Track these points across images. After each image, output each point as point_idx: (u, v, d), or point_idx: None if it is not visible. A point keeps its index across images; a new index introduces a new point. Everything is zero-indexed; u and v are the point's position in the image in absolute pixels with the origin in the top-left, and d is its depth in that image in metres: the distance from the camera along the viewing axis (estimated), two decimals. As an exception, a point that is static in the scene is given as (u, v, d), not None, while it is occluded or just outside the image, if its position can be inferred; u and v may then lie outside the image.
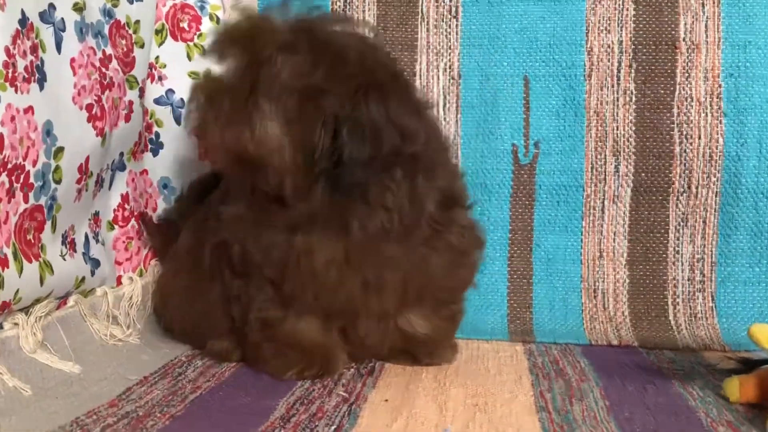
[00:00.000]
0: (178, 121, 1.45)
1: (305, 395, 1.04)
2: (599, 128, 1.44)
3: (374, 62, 1.06)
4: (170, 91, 1.45)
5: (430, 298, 1.16)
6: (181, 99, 1.44)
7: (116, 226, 1.37)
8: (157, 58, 1.44)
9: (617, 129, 1.44)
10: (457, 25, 1.47)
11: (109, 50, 1.26)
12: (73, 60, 1.15)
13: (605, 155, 1.45)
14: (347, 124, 1.00)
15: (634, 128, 1.44)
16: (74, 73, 1.15)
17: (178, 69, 1.45)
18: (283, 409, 0.99)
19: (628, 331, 1.40)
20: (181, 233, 1.29)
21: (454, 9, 1.47)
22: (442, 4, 1.47)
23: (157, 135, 1.46)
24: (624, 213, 1.45)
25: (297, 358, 1.12)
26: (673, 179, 1.43)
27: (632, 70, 1.44)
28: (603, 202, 1.45)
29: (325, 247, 1.06)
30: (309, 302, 1.10)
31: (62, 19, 1.14)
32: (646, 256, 1.44)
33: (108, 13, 1.27)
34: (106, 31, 1.26)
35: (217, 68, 1.09)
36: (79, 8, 1.18)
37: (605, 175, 1.45)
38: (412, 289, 1.11)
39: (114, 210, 1.37)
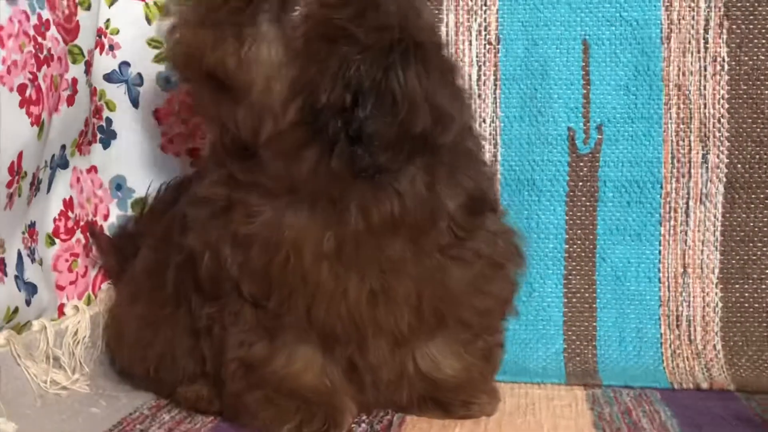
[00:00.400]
0: (135, 103, 1.46)
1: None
2: (681, 106, 1.45)
3: (417, 21, 1.06)
4: (124, 64, 1.46)
5: (454, 324, 1.17)
6: (139, 74, 1.45)
7: (57, 240, 1.38)
8: (107, 22, 1.45)
9: (705, 107, 1.44)
10: (495, -26, 1.48)
11: (46, 14, 1.26)
12: (0, 29, 1.16)
13: (690, 141, 1.45)
14: (375, 90, 1.00)
15: (727, 106, 1.44)
16: (2, 46, 1.16)
17: (135, 36, 1.45)
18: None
19: (721, 370, 1.40)
20: (140, 250, 1.30)
21: (490, -47, 1.48)
22: (476, -54, 1.48)
23: (109, 121, 1.47)
24: (715, 216, 1.45)
25: (293, 409, 1.12)
26: (780, 171, 1.44)
27: (724, 30, 1.44)
28: (687, 203, 1.45)
29: (311, 236, 1.07)
30: (302, 321, 1.10)
31: (-14, -24, 1.15)
32: (743, 271, 1.45)
33: (45, -34, 1.29)
34: (42, -11, 1.27)
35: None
36: (7, -39, 1.19)
37: (690, 167, 1.45)
38: (428, 305, 1.12)
39: (54, 219, 1.37)
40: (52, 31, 1.27)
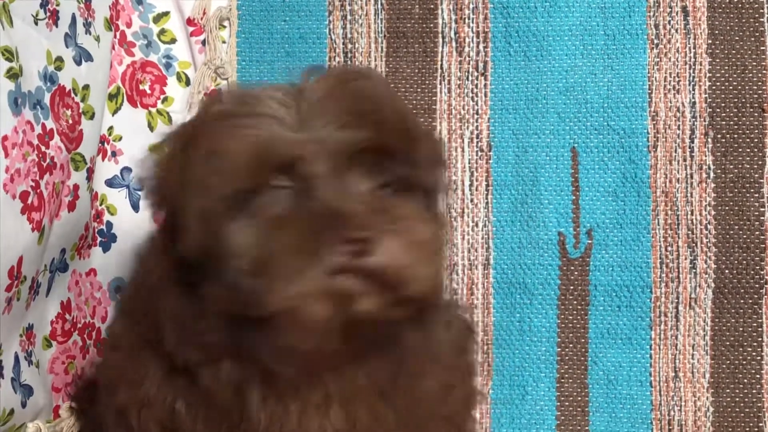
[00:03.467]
0: (135, 207, 1.49)
1: None
2: (669, 213, 1.47)
3: None
4: (126, 169, 1.50)
5: None
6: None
7: (54, 343, 1.39)
8: (110, 129, 1.49)
9: (692, 213, 1.46)
10: (486, 85, 1.51)
11: (50, 124, 1.30)
12: (5, 138, 1.19)
13: (678, 247, 1.46)
14: None
15: (713, 213, 1.46)
16: (6, 155, 1.19)
17: (137, 142, 1.49)
18: None
19: (713, 475, 1.40)
20: None
21: (482, 65, 1.51)
22: (468, 58, 1.51)
23: (109, 225, 1.49)
24: (704, 321, 1.46)
25: None
26: (766, 277, 1.44)
27: (708, 140, 1.46)
28: (677, 308, 1.46)
29: None
30: None
31: (-7, 89, 1.19)
32: (734, 376, 1.45)
33: (50, 78, 1.33)
34: (47, 100, 1.31)
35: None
36: (14, 74, 1.23)
37: (679, 272, 1.46)
38: None
39: (51, 322, 1.39)
40: (56, 140, 1.31)
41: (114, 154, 1.49)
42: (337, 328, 0.85)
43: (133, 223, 1.49)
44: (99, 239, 1.49)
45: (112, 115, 1.49)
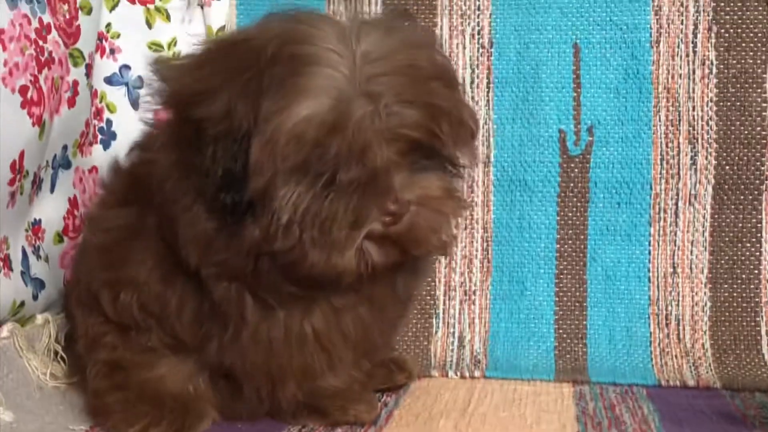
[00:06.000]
0: (135, 105, 1.50)
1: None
2: (670, 109, 1.47)
3: None
4: (125, 67, 1.50)
5: None
6: (139, 77, 1.49)
7: (66, 238, 1.42)
8: (108, 25, 1.49)
9: (693, 109, 1.47)
10: (487, -20, 1.50)
11: (47, 18, 1.31)
12: (2, 32, 1.20)
13: (679, 143, 1.47)
14: None
15: (715, 109, 1.46)
16: (4, 48, 1.20)
17: (135, 39, 1.50)
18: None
19: (708, 368, 1.42)
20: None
21: (483, -41, 1.50)
22: (468, -48, 1.50)
23: (109, 123, 1.51)
24: (704, 217, 1.48)
25: (143, 412, 1.15)
26: (767, 173, 1.46)
27: (712, 34, 1.46)
28: (677, 204, 1.48)
29: None
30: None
31: (-12, -19, 1.20)
32: (732, 272, 1.47)
33: (46, -28, 1.33)
34: (43, -6, 1.32)
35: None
36: (9, -33, 1.23)
37: (679, 168, 1.48)
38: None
39: (64, 218, 1.42)
40: (53, 34, 1.31)
41: (112, 51, 1.50)
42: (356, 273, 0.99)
43: (133, 120, 1.50)
44: (100, 137, 1.51)
45: (110, 12, 1.49)
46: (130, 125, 1.49)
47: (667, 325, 1.47)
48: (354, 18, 1.02)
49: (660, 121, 1.47)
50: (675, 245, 1.48)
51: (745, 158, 1.46)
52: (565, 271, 1.50)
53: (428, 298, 1.51)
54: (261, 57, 0.97)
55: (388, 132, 0.96)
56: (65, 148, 1.40)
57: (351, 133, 0.94)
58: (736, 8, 1.45)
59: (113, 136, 1.51)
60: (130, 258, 1.12)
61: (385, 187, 0.97)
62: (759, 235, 1.46)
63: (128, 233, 1.13)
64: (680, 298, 1.48)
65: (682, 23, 1.47)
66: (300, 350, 1.10)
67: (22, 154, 1.24)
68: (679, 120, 1.47)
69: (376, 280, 1.05)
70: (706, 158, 1.47)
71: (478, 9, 1.51)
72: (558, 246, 1.50)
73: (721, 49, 1.46)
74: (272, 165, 0.95)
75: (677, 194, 1.48)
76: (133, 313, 1.13)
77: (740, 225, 1.47)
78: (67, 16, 1.37)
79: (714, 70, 1.46)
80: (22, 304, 1.28)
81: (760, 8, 1.45)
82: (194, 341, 1.12)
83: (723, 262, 1.47)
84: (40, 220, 1.37)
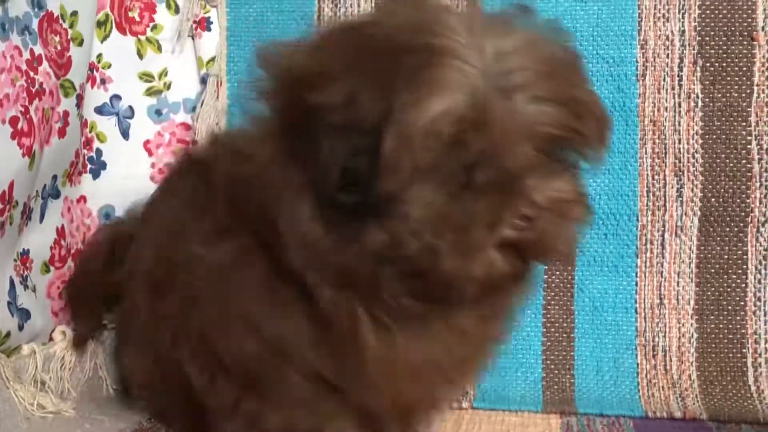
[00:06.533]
0: (125, 135, 1.50)
1: None
2: (656, 141, 1.48)
3: None
4: (115, 97, 1.51)
5: None
6: (130, 107, 1.50)
7: (52, 268, 1.42)
8: (99, 56, 1.50)
9: (679, 142, 1.48)
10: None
11: (38, 50, 1.31)
12: (-7, 63, 1.21)
13: (665, 175, 1.48)
14: None
15: (701, 141, 1.47)
16: (-5, 80, 1.21)
17: (126, 70, 1.51)
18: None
19: (695, 399, 1.43)
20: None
21: (471, -7, 1.52)
22: (457, -13, 1.52)
23: (99, 152, 1.51)
24: (690, 249, 1.48)
25: None
26: (752, 205, 1.46)
27: (697, 68, 1.47)
28: (663, 235, 1.49)
29: None
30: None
31: (-20, 14, 1.20)
32: (718, 303, 1.47)
33: (38, 4, 1.33)
34: (35, 26, 1.32)
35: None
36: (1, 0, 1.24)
37: (665, 200, 1.48)
38: None
39: (50, 247, 1.42)
40: (45, 65, 1.32)
41: (103, 81, 1.50)
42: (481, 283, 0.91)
43: (122, 150, 1.51)
44: (89, 166, 1.51)
45: (101, 42, 1.50)
46: (119, 155, 1.51)
47: (654, 356, 1.48)
48: (474, 10, 0.95)
49: (646, 153, 1.49)
50: (662, 276, 1.49)
51: (731, 191, 1.47)
52: (553, 302, 1.51)
53: (416, 328, 1.50)
54: (391, 45, 0.89)
55: (528, 130, 0.89)
56: (55, 177, 1.41)
57: (494, 130, 0.87)
58: (720, 42, 1.47)
59: (103, 165, 1.51)
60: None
61: (520, 188, 0.89)
62: (745, 266, 1.47)
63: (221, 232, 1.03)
64: (667, 330, 1.48)
65: (667, 57, 1.48)
66: (431, 382, 1.03)
67: (11, 185, 1.24)
68: (665, 152, 1.48)
69: (497, 293, 0.97)
70: (692, 190, 1.48)
71: (467, 41, 1.51)
72: (546, 276, 1.50)
73: (707, 82, 1.47)
74: (408, 163, 0.87)
75: (663, 226, 1.49)
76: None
77: (726, 257, 1.48)
78: (59, 48, 1.38)
79: (699, 104, 1.47)
80: (8, 334, 1.28)
81: (745, 42, 1.46)
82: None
83: (709, 293, 1.48)
84: (28, 250, 1.37)
